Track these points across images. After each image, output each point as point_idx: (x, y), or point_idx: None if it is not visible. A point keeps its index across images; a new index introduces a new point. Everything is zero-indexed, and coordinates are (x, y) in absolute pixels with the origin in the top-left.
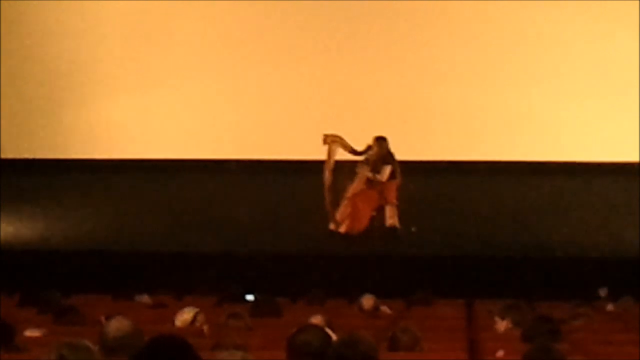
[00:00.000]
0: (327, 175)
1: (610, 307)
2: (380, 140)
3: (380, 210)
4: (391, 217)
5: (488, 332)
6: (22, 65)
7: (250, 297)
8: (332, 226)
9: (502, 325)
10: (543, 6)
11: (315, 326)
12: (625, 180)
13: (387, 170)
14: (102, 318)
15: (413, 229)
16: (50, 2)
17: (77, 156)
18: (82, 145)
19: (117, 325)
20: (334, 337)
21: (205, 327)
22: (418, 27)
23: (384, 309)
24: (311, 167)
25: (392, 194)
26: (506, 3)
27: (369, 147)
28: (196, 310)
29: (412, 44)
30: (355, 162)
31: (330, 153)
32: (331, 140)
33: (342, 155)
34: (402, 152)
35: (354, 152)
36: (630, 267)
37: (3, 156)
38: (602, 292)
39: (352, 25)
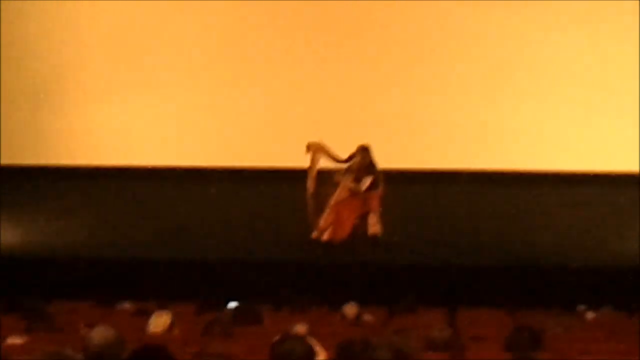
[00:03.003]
0: (310, 183)
1: (591, 316)
2: (363, 149)
3: (363, 218)
4: (374, 225)
5: (471, 341)
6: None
7: (232, 305)
8: (314, 234)
9: None
10: (537, 15)
11: (298, 335)
12: (609, 190)
13: (367, 180)
14: (82, 325)
15: (396, 238)
16: (34, 8)
17: (57, 163)
18: (63, 152)
19: (100, 334)
20: (316, 345)
21: (176, 331)
22: (403, 35)
23: (367, 317)
24: (294, 175)
25: (375, 202)
26: (498, 10)
27: (352, 155)
28: (170, 314)
29: (397, 52)
30: (338, 170)
31: (313, 161)
32: (314, 148)
33: (325, 163)
34: (386, 160)
35: (338, 160)
36: (612, 277)
37: None
38: (580, 308)
39: (335, 35)
